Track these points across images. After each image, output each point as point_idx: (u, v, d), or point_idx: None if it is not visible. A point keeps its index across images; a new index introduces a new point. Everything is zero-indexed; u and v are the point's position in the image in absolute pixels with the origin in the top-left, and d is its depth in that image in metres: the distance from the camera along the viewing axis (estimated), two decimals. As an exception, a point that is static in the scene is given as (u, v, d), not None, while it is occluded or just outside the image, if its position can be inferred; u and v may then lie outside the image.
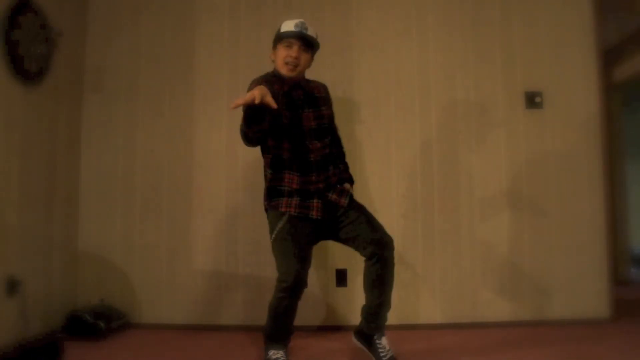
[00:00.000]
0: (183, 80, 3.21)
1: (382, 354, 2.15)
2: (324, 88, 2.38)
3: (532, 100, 3.13)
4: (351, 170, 2.82)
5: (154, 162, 3.18)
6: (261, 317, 3.06)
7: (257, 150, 3.13)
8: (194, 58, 3.22)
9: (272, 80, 2.12)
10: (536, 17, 3.18)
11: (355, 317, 3.03)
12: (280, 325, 2.20)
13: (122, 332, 2.91)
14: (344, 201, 2.24)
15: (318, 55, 2.33)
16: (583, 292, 3.03)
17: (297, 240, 2.15)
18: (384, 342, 2.20)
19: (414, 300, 3.05)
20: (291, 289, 2.08)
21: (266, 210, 2.29)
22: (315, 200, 2.19)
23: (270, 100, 1.80)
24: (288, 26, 2.19)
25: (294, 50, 2.16)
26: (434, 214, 3.09)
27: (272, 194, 2.24)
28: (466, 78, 3.16)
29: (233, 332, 2.95)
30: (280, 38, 2.20)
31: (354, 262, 3.07)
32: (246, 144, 2.13)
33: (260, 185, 3.15)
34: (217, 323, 3.05)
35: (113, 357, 2.46)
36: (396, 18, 3.20)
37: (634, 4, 3.82)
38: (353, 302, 3.05)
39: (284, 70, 2.18)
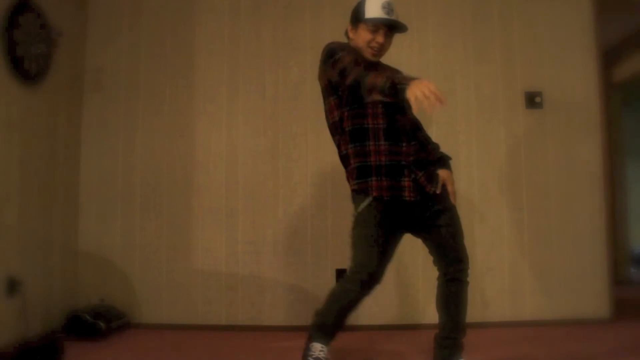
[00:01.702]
0: (183, 80, 3.21)
1: None
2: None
3: (532, 100, 3.13)
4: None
5: (154, 161, 3.18)
6: (261, 317, 3.08)
7: (257, 150, 3.15)
8: (193, 57, 3.22)
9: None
10: (536, 17, 3.18)
11: (355, 317, 3.04)
12: (337, 318, 2.01)
13: (122, 332, 2.91)
14: (432, 188, 1.96)
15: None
16: (583, 292, 3.03)
17: (383, 229, 1.94)
18: None
19: (414, 300, 3.05)
20: (364, 283, 1.93)
21: (353, 192, 2.03)
22: (407, 179, 1.93)
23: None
24: (374, 7, 1.97)
25: (380, 36, 1.97)
26: (434, 214, 3.08)
27: (360, 173, 1.96)
28: (466, 78, 3.16)
29: (233, 332, 2.95)
30: (365, 21, 1.98)
31: (354, 262, 3.07)
32: (354, 85, 1.83)
33: (260, 184, 3.17)
34: (217, 323, 3.04)
35: (113, 357, 2.46)
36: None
37: (633, 4, 3.81)
38: (353, 302, 3.05)
39: (367, 54, 1.99)
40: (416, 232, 2.06)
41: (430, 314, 3.04)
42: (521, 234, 3.08)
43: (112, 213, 3.16)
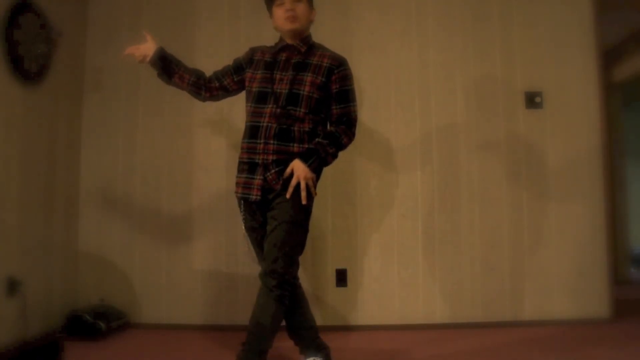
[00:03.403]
0: (183, 80, 3.20)
1: None
2: (332, 59, 2.11)
3: (532, 100, 3.13)
4: (350, 171, 2.80)
5: (154, 162, 3.18)
6: (261, 317, 3.08)
7: (257, 150, 3.15)
8: (194, 58, 3.21)
9: (262, 49, 2.18)
10: (536, 17, 3.18)
11: (355, 317, 3.05)
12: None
13: (122, 332, 2.91)
14: (277, 185, 1.99)
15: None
16: (583, 292, 3.03)
17: (256, 233, 2.13)
18: None
19: (414, 300, 3.05)
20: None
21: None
22: (258, 177, 2.01)
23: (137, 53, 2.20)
24: None
25: (288, 3, 2.04)
26: (434, 214, 3.09)
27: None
28: (466, 78, 3.16)
29: (233, 332, 2.94)
30: (270, 1, 2.11)
31: (354, 262, 3.07)
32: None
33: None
34: (217, 323, 3.05)
35: (113, 357, 2.46)
36: (396, 18, 3.20)
37: (633, 3, 3.82)
38: (353, 302, 3.05)
39: (287, 26, 2.06)
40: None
41: (432, 314, 3.05)
42: (521, 234, 3.08)
43: (112, 213, 3.16)
